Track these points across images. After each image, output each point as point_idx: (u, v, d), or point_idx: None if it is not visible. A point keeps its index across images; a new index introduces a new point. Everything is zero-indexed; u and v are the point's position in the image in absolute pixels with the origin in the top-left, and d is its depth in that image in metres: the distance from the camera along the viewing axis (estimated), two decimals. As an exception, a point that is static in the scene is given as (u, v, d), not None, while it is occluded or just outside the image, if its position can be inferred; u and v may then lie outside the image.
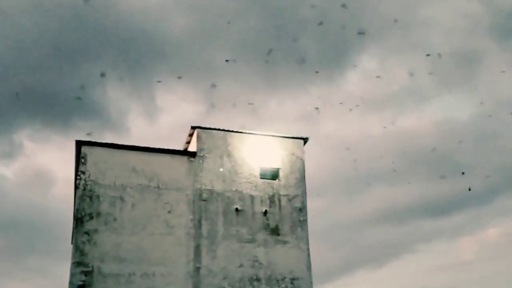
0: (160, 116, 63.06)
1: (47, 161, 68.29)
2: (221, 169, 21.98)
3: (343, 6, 20.52)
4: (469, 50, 55.01)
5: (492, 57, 57.05)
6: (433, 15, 52.25)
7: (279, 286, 21.19)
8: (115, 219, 20.25)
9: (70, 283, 19.09)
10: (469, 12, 53.03)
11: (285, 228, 22.12)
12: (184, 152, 22.45)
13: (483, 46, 55.71)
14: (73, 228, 20.63)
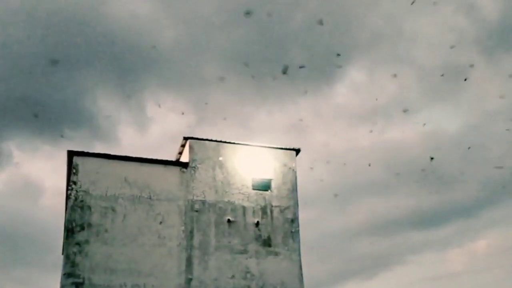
0: (150, 127, 62.96)
1: (36, 171, 67.72)
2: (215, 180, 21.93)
3: (320, 23, 20.54)
4: (456, 63, 55.78)
5: (478, 70, 57.83)
6: (419, 28, 52.97)
7: (270, 298, 21.15)
8: (106, 230, 20.14)
9: (60, 294, 18.91)
10: (455, 25, 53.84)
11: (277, 239, 22.13)
12: (176, 163, 22.44)
13: (469, 59, 56.45)
14: (64, 239, 20.46)
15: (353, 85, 57.78)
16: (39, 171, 67.29)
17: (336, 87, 60.47)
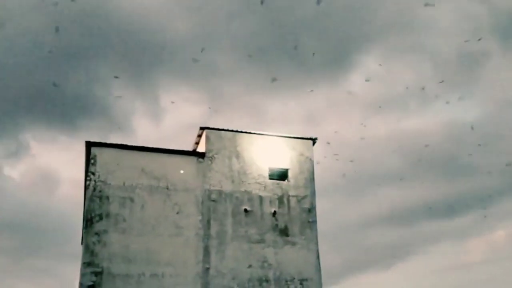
0: (165, 117, 63.17)
1: (53, 162, 68.47)
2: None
3: (317, 2, 19.88)
4: (472, 52, 54.94)
5: (495, 58, 56.93)
6: (435, 16, 52.17)
7: (288, 287, 21.17)
8: (124, 220, 20.29)
9: (80, 283, 19.13)
10: (471, 13, 52.97)
11: (294, 229, 22.11)
12: (193, 153, 22.47)
13: (485, 47, 55.59)
14: (83, 229, 20.67)
15: (368, 74, 57.14)
16: (56, 162, 68.09)
17: (351, 76, 60.01)
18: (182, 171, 21.29)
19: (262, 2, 17.13)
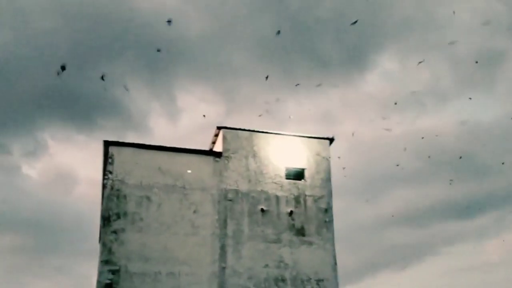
0: (181, 117, 63.42)
1: (70, 161, 69.10)
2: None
3: None
4: (490, 50, 54.26)
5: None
6: (452, 14, 51.57)
7: (304, 287, 21.12)
8: (141, 219, 20.41)
9: (98, 281, 19.28)
10: (489, 11, 52.25)
11: (310, 228, 22.04)
12: (210, 152, 22.52)
13: (503, 46, 54.90)
14: (101, 227, 20.84)
15: (384, 73, 56.88)
16: (73, 161, 68.67)
17: (367, 76, 59.65)
18: (189, 171, 21.31)
19: (278, 32, 16.92)
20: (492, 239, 62.60)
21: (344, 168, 22.84)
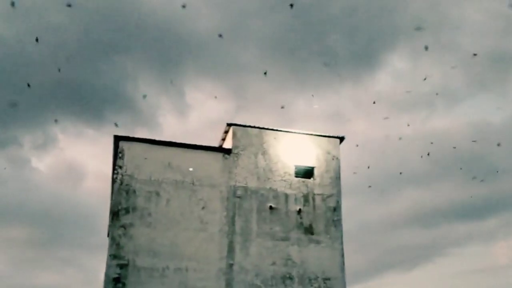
0: (190, 113, 63.51)
1: (80, 154, 69.50)
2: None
3: None
4: (502, 51, 53.81)
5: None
6: (465, 15, 51.25)
7: (311, 286, 21.07)
8: (150, 214, 20.46)
9: (106, 275, 19.37)
10: (501, 12, 51.80)
11: (319, 227, 21.98)
12: (219, 149, 22.51)
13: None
14: (110, 221, 20.92)
15: (395, 73, 56.59)
16: (83, 155, 69.07)
17: (378, 75, 59.36)
18: (191, 169, 21.26)
19: (292, 5, 16.83)
20: (501, 242, 62.19)
21: (354, 172, 22.70)
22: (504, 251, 61.96)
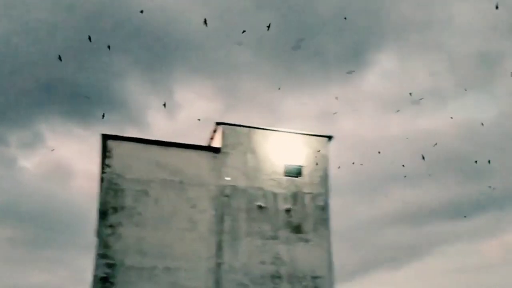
0: (179, 112, 63.32)
1: (67, 153, 69.02)
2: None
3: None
4: (489, 51, 54.35)
5: None
6: (452, 15, 51.63)
7: (300, 284, 21.13)
8: (139, 213, 20.40)
9: (94, 275, 19.28)
10: (489, 11, 52.30)
11: (307, 226, 22.04)
12: (208, 148, 22.49)
13: (504, 47, 54.93)
14: (98, 221, 20.81)
15: (383, 73, 56.85)
16: (71, 154, 68.60)
17: (366, 75, 59.61)
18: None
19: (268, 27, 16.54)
20: (488, 240, 62.81)
21: (339, 167, 22.79)
22: (491, 249, 62.59)
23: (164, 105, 21.77)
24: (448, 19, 51.38)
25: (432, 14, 52.36)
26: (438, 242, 62.30)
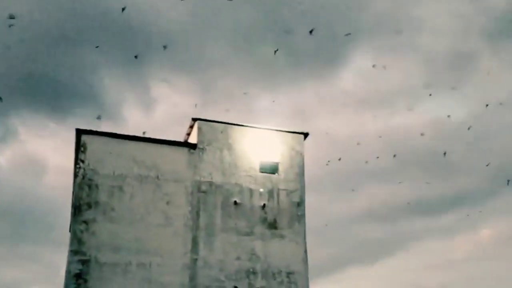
0: (155, 107, 62.80)
1: (41, 148, 67.78)
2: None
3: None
4: (461, 51, 55.40)
5: (484, 59, 57.39)
6: (426, 15, 52.41)
7: (275, 280, 21.27)
8: (113, 209, 20.24)
9: (67, 271, 19.07)
10: (462, 13, 53.28)
11: (283, 222, 22.19)
12: (185, 144, 22.43)
13: (475, 48, 56.07)
14: (71, 217, 20.58)
15: (358, 71, 57.34)
16: (44, 148, 67.42)
17: (341, 73, 60.07)
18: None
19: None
20: (459, 237, 64.10)
21: (328, 162, 23.01)
22: (461, 246, 63.93)
23: (99, 117, 21.78)
24: (421, 19, 52.16)
25: (406, 14, 53.12)
26: (411, 238, 63.33)
